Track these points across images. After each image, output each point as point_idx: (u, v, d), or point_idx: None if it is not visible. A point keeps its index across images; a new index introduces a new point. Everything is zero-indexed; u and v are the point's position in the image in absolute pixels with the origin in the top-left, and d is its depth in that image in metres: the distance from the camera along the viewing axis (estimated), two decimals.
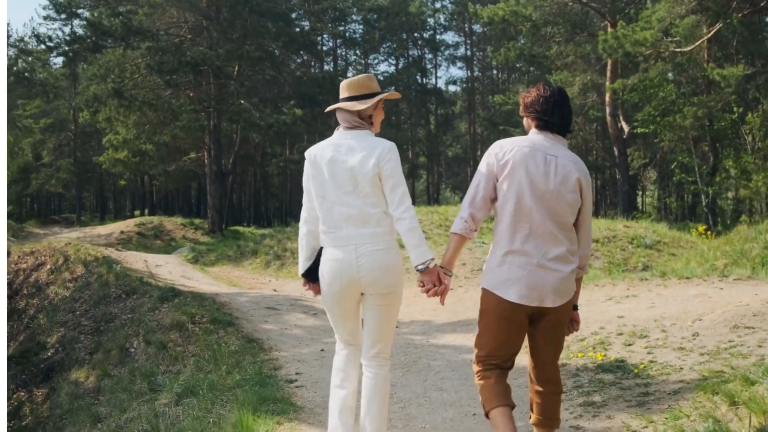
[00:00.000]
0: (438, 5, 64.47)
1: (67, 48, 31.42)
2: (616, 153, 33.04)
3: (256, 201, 63.77)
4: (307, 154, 4.74)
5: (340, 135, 4.71)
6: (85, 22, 30.97)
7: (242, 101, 32.65)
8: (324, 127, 53.82)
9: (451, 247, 4.45)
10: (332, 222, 4.56)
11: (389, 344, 4.79)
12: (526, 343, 4.45)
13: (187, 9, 32.70)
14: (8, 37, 33.37)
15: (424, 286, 4.44)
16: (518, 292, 4.20)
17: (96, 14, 32.17)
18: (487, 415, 4.31)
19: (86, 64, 36.36)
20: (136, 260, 17.16)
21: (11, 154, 56.20)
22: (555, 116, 4.43)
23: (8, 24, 31.57)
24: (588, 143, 47.59)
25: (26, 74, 33.78)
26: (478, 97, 62.75)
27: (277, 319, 11.34)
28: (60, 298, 14.99)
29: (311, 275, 4.74)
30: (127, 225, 34.84)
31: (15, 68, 33.92)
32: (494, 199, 4.35)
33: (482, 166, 4.41)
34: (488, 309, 4.34)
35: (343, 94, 4.77)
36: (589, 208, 4.47)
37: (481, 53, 64.33)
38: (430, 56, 65.70)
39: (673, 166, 36.18)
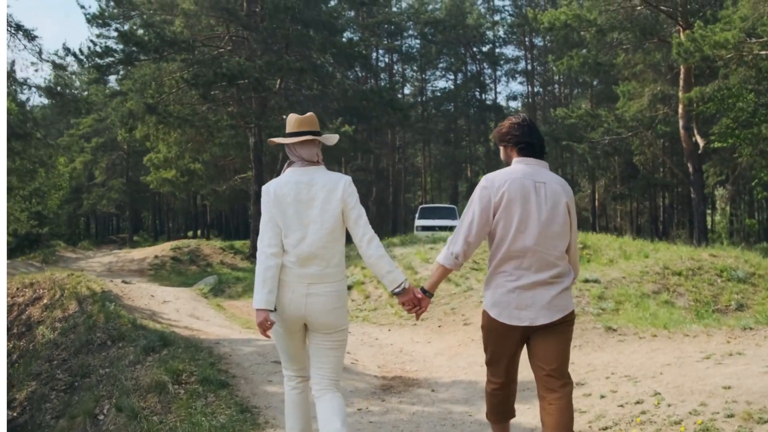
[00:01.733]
0: (497, 17, 61.92)
1: (99, 61, 29.52)
2: (690, 170, 30.16)
3: None
4: (265, 189, 4.85)
5: (297, 172, 4.82)
6: (117, 34, 29.02)
7: (284, 116, 30.40)
8: (376, 145, 51.84)
9: (436, 275, 4.82)
10: (291, 258, 4.73)
11: (339, 375, 4.99)
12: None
13: (225, 18, 30.60)
14: (40, 53, 31.58)
15: (404, 305, 4.85)
16: (513, 314, 4.56)
17: (130, 26, 30.49)
18: (487, 416, 5.07)
19: (120, 79, 34.70)
20: (142, 295, 14.95)
21: (64, 174, 56.30)
22: (534, 138, 4.75)
23: (40, 38, 30.26)
24: (656, 159, 44.65)
25: (59, 89, 32.07)
26: (539, 112, 59.89)
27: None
28: (43, 342, 12.79)
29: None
30: (163, 249, 32.54)
31: (48, 84, 32.46)
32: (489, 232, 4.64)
33: (476, 202, 4.64)
34: (488, 329, 4.75)
35: (297, 128, 4.88)
36: (575, 227, 4.79)
37: (542, 67, 61.74)
38: (489, 71, 63.15)
39: (753, 183, 33.24)
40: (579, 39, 32.24)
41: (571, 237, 4.71)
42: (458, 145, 59.85)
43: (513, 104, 66.09)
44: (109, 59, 29.43)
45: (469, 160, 60.00)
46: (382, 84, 53.85)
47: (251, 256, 31.92)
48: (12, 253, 44.82)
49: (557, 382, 4.61)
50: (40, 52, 32.03)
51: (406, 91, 63.83)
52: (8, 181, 34.63)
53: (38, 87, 32.39)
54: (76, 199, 58.84)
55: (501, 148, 4.90)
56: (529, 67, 62.38)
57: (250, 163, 33.56)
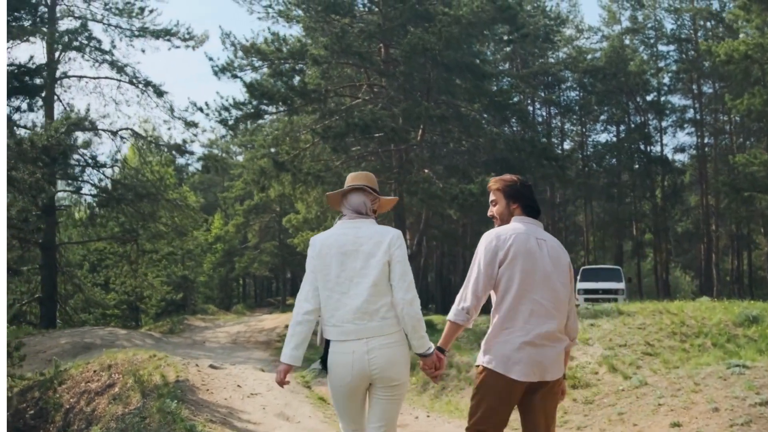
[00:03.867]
0: (661, 64, 57.45)
1: (226, 115, 27.60)
2: None
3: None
4: (312, 241, 4.83)
5: (345, 224, 4.83)
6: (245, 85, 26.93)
7: (426, 170, 27.52)
8: None
9: (449, 333, 4.75)
10: (341, 315, 4.62)
11: (394, 428, 4.89)
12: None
13: (358, 64, 28.11)
14: (171, 110, 30.11)
15: (428, 368, 4.78)
16: (522, 370, 4.52)
17: (259, 77, 28.54)
18: None
19: (248, 134, 32.87)
20: (226, 385, 12.11)
21: (222, 238, 56.14)
22: (535, 201, 5.00)
23: (170, 94, 28.94)
24: None
25: (186, 146, 30.45)
26: (710, 165, 54.84)
27: None
28: None
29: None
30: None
31: (173, 141, 30.87)
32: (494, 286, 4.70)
33: (482, 255, 4.71)
34: (489, 386, 4.58)
35: (350, 182, 4.97)
36: (573, 285, 4.90)
37: (711, 116, 56.80)
38: (654, 121, 58.53)
39: None
40: (762, 73, 28.02)
41: (570, 295, 4.83)
42: (622, 201, 55.50)
43: (680, 156, 61.06)
44: (237, 113, 27.45)
45: (635, 217, 55.37)
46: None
47: None
48: (157, 317, 43.80)
49: None
50: (171, 109, 30.66)
51: (566, 146, 60.03)
52: (140, 245, 33.21)
53: (168, 145, 30.90)
54: (228, 262, 57.92)
55: (502, 202, 4.94)
56: (698, 116, 57.42)
57: (392, 222, 30.91)
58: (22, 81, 27.61)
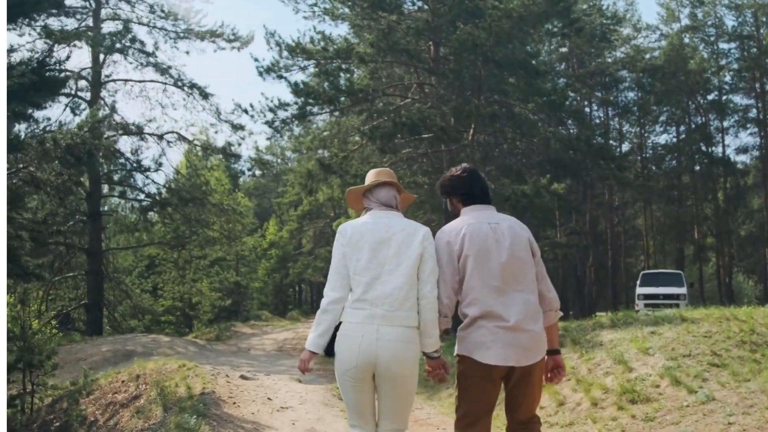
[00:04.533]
0: (723, 62, 55.54)
1: (272, 116, 26.91)
2: None
3: None
4: (341, 229, 4.81)
5: (376, 214, 4.84)
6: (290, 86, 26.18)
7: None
8: (592, 206, 47.18)
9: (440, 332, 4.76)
10: (372, 298, 4.60)
11: (406, 422, 4.86)
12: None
13: (407, 62, 27.19)
14: (218, 113, 29.62)
15: (432, 370, 4.85)
16: (495, 354, 4.52)
17: (305, 77, 27.89)
18: None
19: (296, 136, 32.20)
20: (256, 397, 11.28)
21: (276, 244, 55.85)
22: (475, 189, 4.96)
23: (215, 96, 28.35)
24: None
25: (232, 148, 29.92)
26: None
27: None
28: None
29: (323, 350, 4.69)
30: None
31: (220, 145, 30.40)
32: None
33: (441, 255, 4.73)
34: (468, 375, 4.63)
35: (375, 177, 5.03)
36: (540, 260, 4.86)
37: None
38: (715, 121, 56.68)
39: None
40: None
41: (538, 269, 4.80)
42: (683, 204, 53.76)
43: (743, 158, 59.06)
44: (283, 114, 26.75)
45: (696, 220, 53.58)
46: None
47: (444, 333, 28.07)
48: (210, 323, 43.31)
49: (528, 423, 4.74)
50: (218, 112, 30.15)
51: (624, 147, 58.36)
52: (188, 251, 32.71)
53: (214, 149, 30.38)
54: (283, 267, 57.51)
55: (447, 201, 5.13)
56: (761, 115, 55.47)
57: (442, 226, 29.94)
58: (65, 85, 27.27)
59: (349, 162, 27.55)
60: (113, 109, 28.32)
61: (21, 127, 13.31)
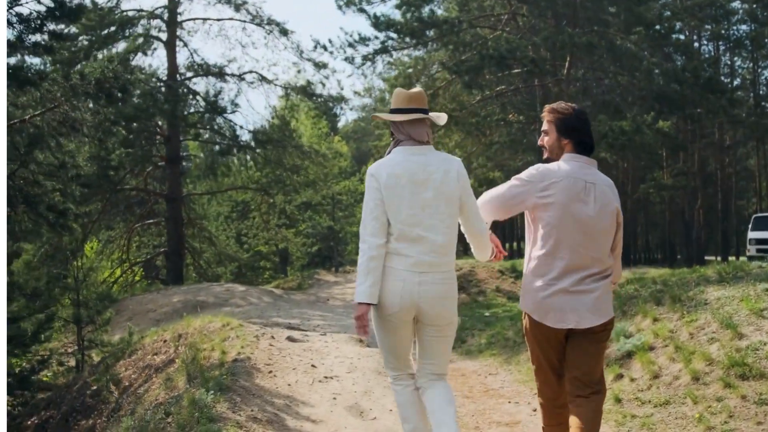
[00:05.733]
0: None
1: (352, 52, 25.31)
2: None
3: (625, 236, 55.09)
4: (373, 171, 4.53)
5: (409, 151, 4.55)
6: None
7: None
8: (700, 143, 44.45)
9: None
10: (420, 249, 4.47)
11: (446, 369, 4.82)
12: None
13: None
14: (300, 51, 28.16)
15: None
16: (556, 317, 4.40)
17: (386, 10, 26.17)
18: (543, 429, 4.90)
19: (380, 74, 30.62)
20: (298, 363, 9.69)
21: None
22: (590, 137, 4.58)
23: (294, 33, 26.85)
24: None
25: (313, 89, 28.43)
26: None
27: None
28: None
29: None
30: None
31: (299, 84, 28.84)
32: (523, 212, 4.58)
33: (521, 176, 4.48)
34: (531, 332, 4.62)
35: (405, 104, 4.61)
36: (621, 232, 4.68)
37: None
38: None
39: None
40: None
41: (617, 238, 4.63)
42: None
43: None
44: (363, 49, 25.10)
45: None
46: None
47: None
48: (303, 269, 42.41)
49: (587, 389, 4.55)
50: (299, 51, 28.69)
51: (736, 83, 54.88)
52: (271, 195, 31.57)
53: (292, 87, 28.93)
54: None
55: (553, 135, 4.61)
56: None
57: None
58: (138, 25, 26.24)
59: (435, 100, 25.76)
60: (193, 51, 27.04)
61: (36, 61, 12.01)
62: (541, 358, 4.66)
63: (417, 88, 4.70)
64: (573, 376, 4.56)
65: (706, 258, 47.03)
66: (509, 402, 8.87)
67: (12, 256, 15.69)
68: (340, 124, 79.66)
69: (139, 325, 19.27)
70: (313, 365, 9.68)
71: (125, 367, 12.17)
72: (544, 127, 4.65)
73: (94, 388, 12.19)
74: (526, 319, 4.62)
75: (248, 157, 30.05)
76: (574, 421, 4.48)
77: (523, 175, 4.46)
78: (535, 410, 8.60)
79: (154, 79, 27.73)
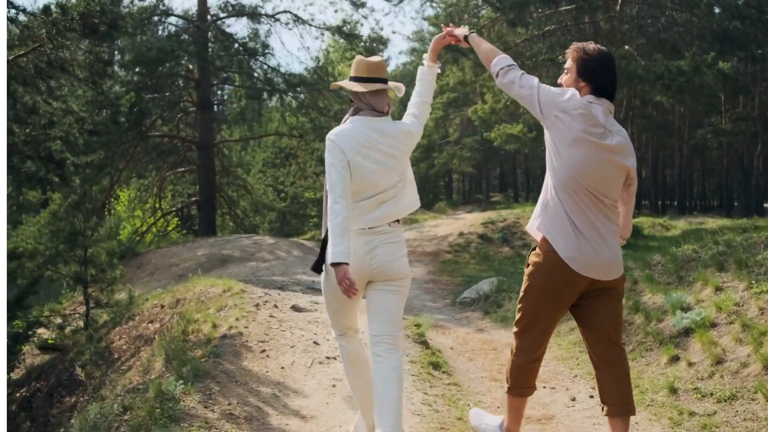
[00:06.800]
0: None
1: None
2: None
3: (681, 183, 52.98)
4: (334, 137, 4.47)
5: (369, 121, 4.55)
6: None
7: (626, 46, 22.50)
8: (762, 86, 42.14)
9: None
10: (362, 210, 4.52)
11: (399, 329, 4.77)
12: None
13: None
14: None
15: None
16: (585, 264, 4.19)
17: None
18: (509, 390, 4.63)
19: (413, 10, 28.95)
20: (298, 341, 8.40)
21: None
22: (611, 82, 4.35)
23: None
24: None
25: (346, 29, 26.89)
26: None
27: None
28: None
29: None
30: (472, 223, 25.51)
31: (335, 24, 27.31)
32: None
33: (550, 90, 4.28)
34: (542, 272, 4.31)
35: (367, 73, 4.61)
36: (635, 186, 4.59)
37: None
38: None
39: None
40: None
41: (629, 191, 4.55)
42: None
43: None
44: None
45: None
46: None
47: None
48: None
49: (621, 353, 4.45)
50: None
51: None
52: (306, 141, 30.29)
53: (328, 28, 27.40)
54: (428, 158, 55.20)
55: (573, 75, 4.37)
56: None
57: None
58: None
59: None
60: None
61: None
62: (544, 315, 4.38)
63: (377, 57, 4.74)
64: (605, 343, 4.40)
65: (765, 206, 45.25)
66: (544, 386, 7.52)
67: (20, 208, 14.74)
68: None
69: (160, 281, 18.26)
70: (315, 342, 8.35)
71: (119, 335, 11.01)
72: (567, 64, 4.44)
73: (86, 357, 11.06)
74: (545, 254, 4.30)
75: (282, 102, 28.73)
76: (611, 395, 4.38)
77: (556, 88, 4.30)
78: (574, 399, 7.25)
79: (179, 20, 26.53)
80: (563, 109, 4.17)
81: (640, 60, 21.24)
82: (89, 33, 10.31)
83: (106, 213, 26.56)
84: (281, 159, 39.95)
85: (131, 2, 18.61)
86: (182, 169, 29.64)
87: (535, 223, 4.46)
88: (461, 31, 4.75)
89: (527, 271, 4.52)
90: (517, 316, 4.57)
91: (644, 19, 25.54)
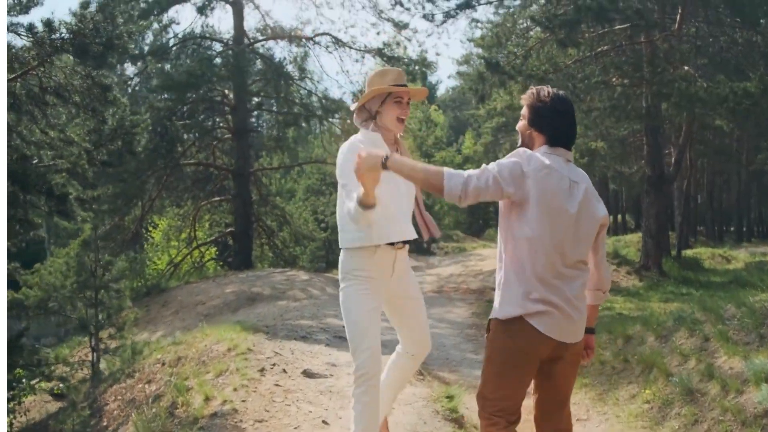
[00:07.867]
0: None
1: (430, 7, 22.52)
2: None
3: (739, 210, 51.16)
4: (350, 147, 4.47)
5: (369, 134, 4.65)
6: None
7: (686, 66, 20.97)
8: None
9: (421, 169, 3.86)
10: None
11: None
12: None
13: None
14: (379, 11, 25.66)
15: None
16: (551, 325, 3.89)
17: None
18: None
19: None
20: (304, 420, 7.00)
21: (471, 158, 52.19)
22: (569, 128, 4.08)
23: None
24: None
25: (387, 51, 25.72)
26: None
27: None
28: None
29: None
30: None
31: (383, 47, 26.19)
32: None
33: (503, 161, 3.88)
34: (508, 342, 3.98)
35: (402, 80, 4.58)
36: (605, 235, 4.28)
37: None
38: None
39: None
40: None
41: (598, 242, 4.15)
42: None
43: None
44: (443, 4, 22.36)
45: None
46: None
47: (642, 267, 23.08)
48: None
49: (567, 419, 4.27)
50: (379, 11, 26.14)
51: None
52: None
53: (368, 50, 26.27)
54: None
55: (525, 122, 4.10)
56: None
57: (643, 137, 24.77)
58: None
59: (526, 62, 22.63)
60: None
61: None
62: (516, 381, 4.02)
63: (398, 69, 4.63)
64: (554, 405, 4.21)
65: None
66: None
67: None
68: (439, 93, 77.39)
69: (184, 320, 17.06)
70: (324, 421, 6.88)
71: (115, 395, 9.73)
72: (522, 111, 4.14)
73: (79, 420, 9.80)
74: (505, 324, 3.96)
75: (321, 127, 27.67)
76: None
77: (516, 157, 3.89)
78: None
79: (212, 42, 25.57)
80: (527, 176, 3.82)
81: (702, 82, 19.69)
82: (81, 53, 9.15)
83: (143, 242, 25.73)
84: (326, 186, 38.96)
85: (131, 19, 17.72)
86: (218, 198, 28.54)
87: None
88: (377, 154, 3.89)
89: None
90: None
91: (704, 38, 23.94)
